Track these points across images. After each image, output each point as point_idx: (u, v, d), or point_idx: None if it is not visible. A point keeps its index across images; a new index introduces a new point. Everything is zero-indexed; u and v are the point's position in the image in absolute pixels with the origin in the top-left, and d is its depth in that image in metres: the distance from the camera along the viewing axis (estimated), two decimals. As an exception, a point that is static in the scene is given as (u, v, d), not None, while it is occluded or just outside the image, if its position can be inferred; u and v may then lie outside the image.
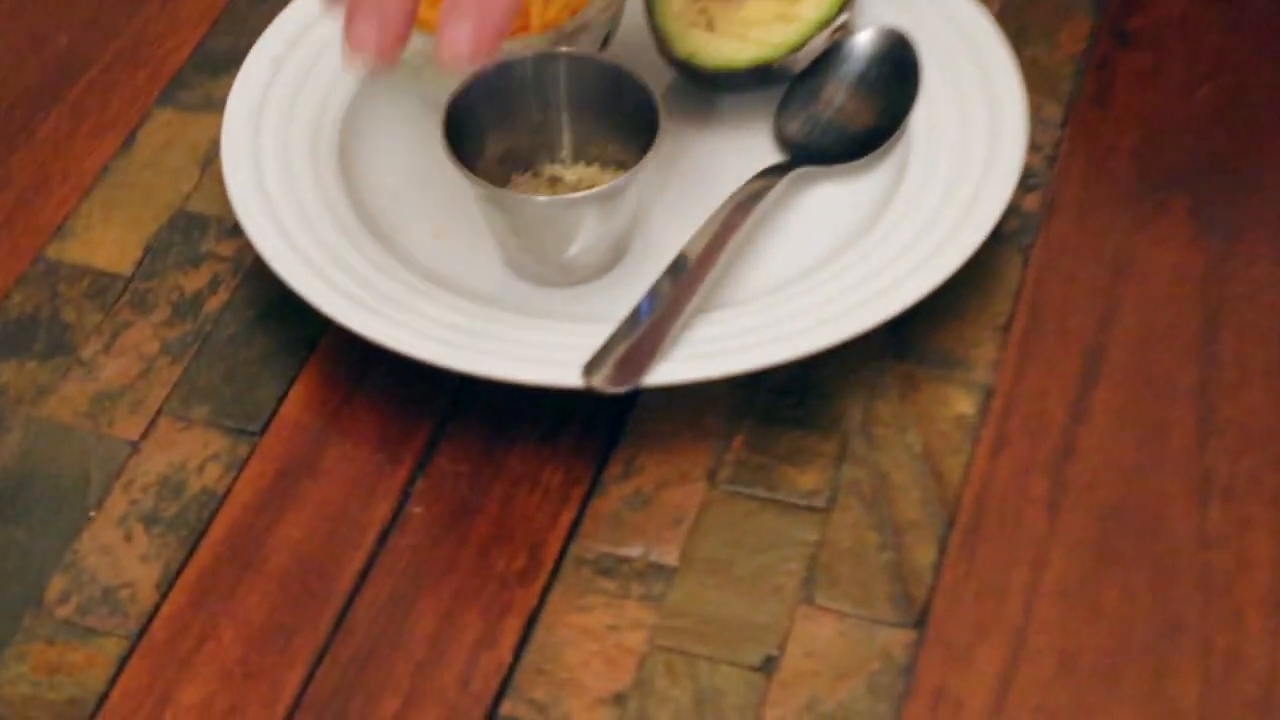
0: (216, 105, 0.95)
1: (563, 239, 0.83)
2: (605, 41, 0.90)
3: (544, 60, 0.85)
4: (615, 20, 0.90)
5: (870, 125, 0.90)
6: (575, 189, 0.86)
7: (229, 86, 0.95)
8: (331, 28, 0.94)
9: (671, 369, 0.79)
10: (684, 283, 0.81)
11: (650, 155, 0.81)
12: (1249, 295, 0.85)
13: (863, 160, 0.89)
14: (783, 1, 0.92)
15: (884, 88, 0.91)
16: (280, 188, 0.87)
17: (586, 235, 0.83)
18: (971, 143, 0.89)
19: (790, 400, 0.82)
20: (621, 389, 0.77)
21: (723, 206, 0.84)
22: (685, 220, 0.86)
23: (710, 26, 0.91)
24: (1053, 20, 0.99)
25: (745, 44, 0.90)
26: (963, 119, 0.90)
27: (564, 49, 0.85)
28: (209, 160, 0.93)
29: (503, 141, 0.86)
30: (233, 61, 0.97)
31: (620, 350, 0.78)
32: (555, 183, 0.86)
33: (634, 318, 0.80)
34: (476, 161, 0.84)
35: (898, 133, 0.90)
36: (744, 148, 0.91)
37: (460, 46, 0.73)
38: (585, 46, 0.88)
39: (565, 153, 0.88)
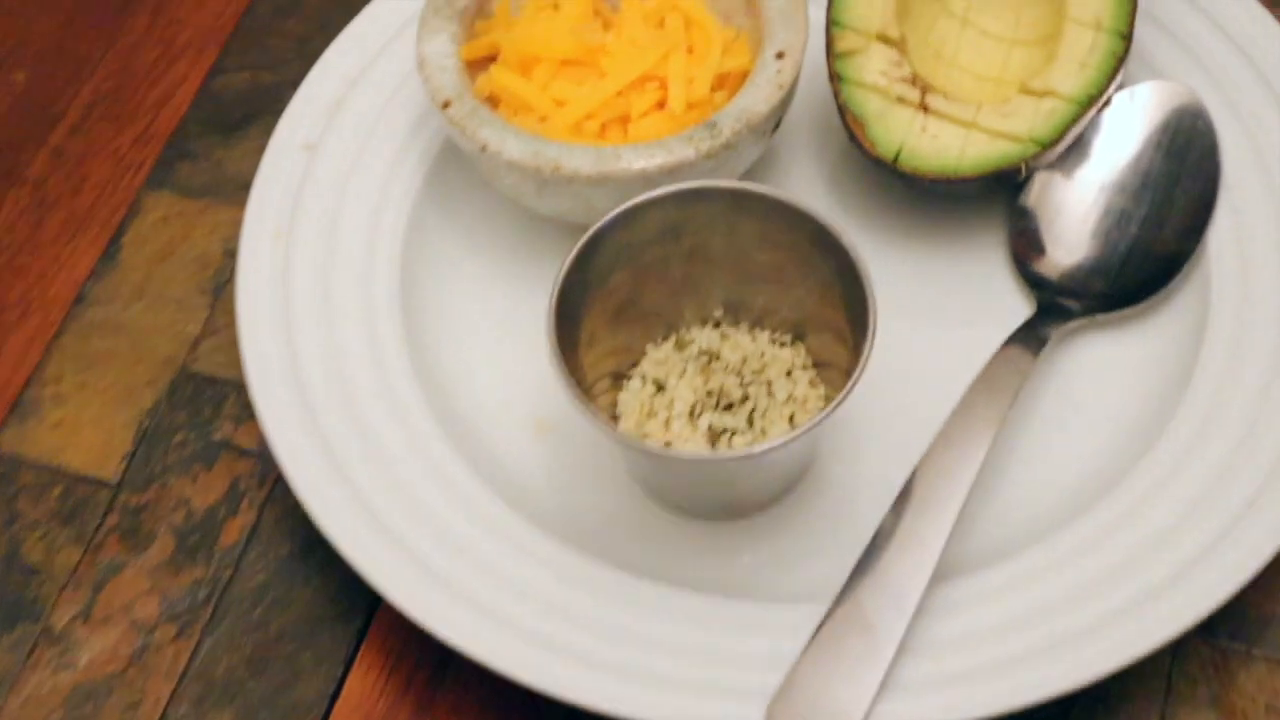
0: (230, 187, 0.69)
1: (723, 487, 0.58)
2: (775, 127, 0.63)
3: (697, 196, 0.59)
4: (786, 100, 0.63)
5: (1151, 246, 0.63)
6: (738, 373, 0.60)
7: (246, 154, 0.69)
8: (383, 90, 0.68)
9: (901, 710, 0.54)
10: (913, 551, 0.56)
11: (859, 374, 0.55)
12: None
13: (1144, 304, 0.63)
14: (1023, 53, 0.65)
15: (1166, 185, 0.64)
16: (318, 358, 0.61)
17: (756, 480, 0.58)
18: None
19: (1054, 711, 0.57)
20: (829, 756, 0.53)
21: (958, 410, 0.58)
22: (888, 406, 0.61)
23: (923, 104, 0.63)
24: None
25: (976, 135, 0.63)
26: (1280, 230, 0.63)
27: (724, 184, 0.59)
28: (222, 282, 0.67)
29: (632, 291, 0.60)
30: (251, 113, 0.71)
31: (825, 681, 0.54)
32: (707, 362, 0.60)
33: (841, 608, 0.55)
34: (589, 314, 0.58)
35: (1191, 259, 0.63)
36: (968, 282, 0.64)
37: None
38: (748, 143, 0.61)
39: (720, 313, 0.62)
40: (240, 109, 0.72)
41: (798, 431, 0.55)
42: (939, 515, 0.56)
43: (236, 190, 0.69)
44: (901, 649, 0.54)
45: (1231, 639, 0.58)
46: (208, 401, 0.65)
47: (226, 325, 0.66)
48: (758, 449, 0.55)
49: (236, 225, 0.67)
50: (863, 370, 0.55)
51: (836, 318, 0.58)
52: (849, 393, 0.55)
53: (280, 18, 0.74)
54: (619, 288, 0.59)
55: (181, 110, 0.72)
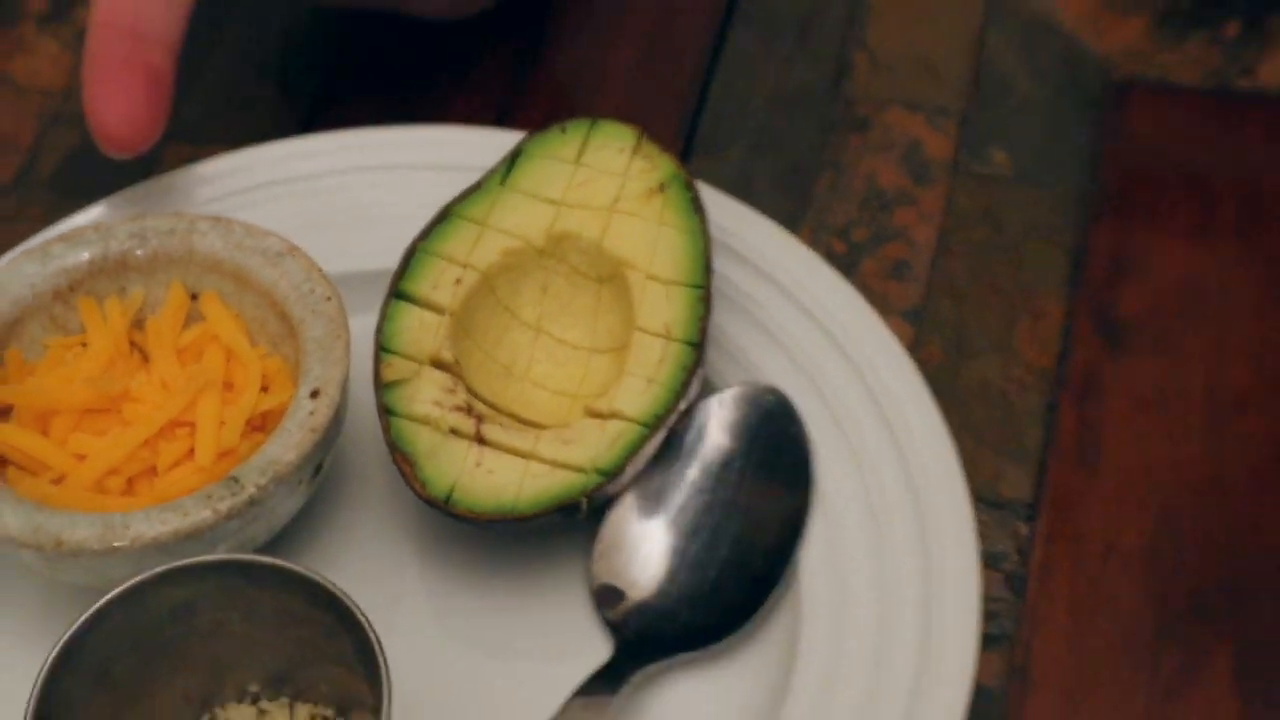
0: None
1: None
2: (317, 471, 0.58)
3: (201, 572, 0.53)
4: (323, 444, 0.57)
5: (741, 570, 0.58)
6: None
7: None
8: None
9: None
10: None
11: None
12: None
13: (725, 643, 0.57)
14: (604, 363, 0.60)
15: (756, 501, 0.59)
16: None
17: None
18: (901, 590, 0.57)
19: None
20: None
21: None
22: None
23: (479, 435, 0.58)
24: (1007, 309, 0.66)
25: (535, 468, 0.57)
26: (880, 546, 0.58)
27: (228, 557, 0.53)
28: None
29: (145, 680, 0.53)
30: None
31: None
32: (249, 737, 0.54)
33: None
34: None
35: (780, 586, 0.58)
36: (543, 629, 0.58)
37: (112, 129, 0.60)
38: (279, 498, 0.56)
39: (258, 688, 0.55)
40: None
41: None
42: None
43: None
44: None
45: None
46: None
47: None
48: None
49: None
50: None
51: (370, 695, 0.52)
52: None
53: None
54: (125, 680, 0.53)
55: None
